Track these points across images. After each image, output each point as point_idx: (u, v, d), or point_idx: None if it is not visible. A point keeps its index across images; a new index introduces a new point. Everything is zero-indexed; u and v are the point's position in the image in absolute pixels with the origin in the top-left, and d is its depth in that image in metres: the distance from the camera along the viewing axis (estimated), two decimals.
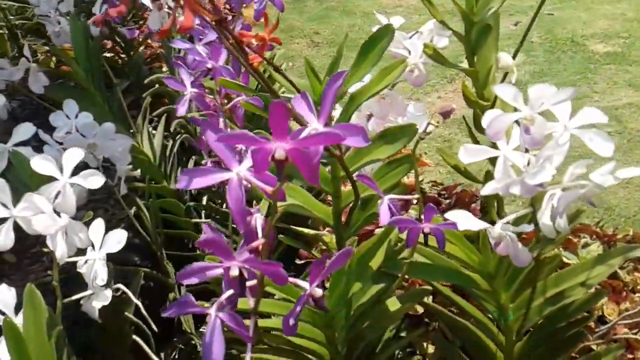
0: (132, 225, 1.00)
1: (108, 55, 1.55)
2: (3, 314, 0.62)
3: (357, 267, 0.61)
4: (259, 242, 0.39)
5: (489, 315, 0.66)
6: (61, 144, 0.87)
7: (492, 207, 0.85)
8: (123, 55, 1.50)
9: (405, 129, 0.61)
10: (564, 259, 1.01)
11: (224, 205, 1.05)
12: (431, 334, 0.70)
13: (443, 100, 2.22)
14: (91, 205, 1.13)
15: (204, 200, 1.15)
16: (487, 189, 0.46)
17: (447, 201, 1.09)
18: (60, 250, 0.60)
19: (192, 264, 0.37)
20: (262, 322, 0.59)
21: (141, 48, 1.49)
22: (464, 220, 0.48)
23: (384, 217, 0.53)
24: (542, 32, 2.63)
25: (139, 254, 1.04)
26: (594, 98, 2.10)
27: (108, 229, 1.10)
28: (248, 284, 0.43)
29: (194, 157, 1.16)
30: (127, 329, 0.83)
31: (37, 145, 0.83)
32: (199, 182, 0.36)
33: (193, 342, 1.00)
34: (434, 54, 0.73)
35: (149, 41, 1.53)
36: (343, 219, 0.71)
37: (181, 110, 0.70)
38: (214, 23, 0.40)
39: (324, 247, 0.81)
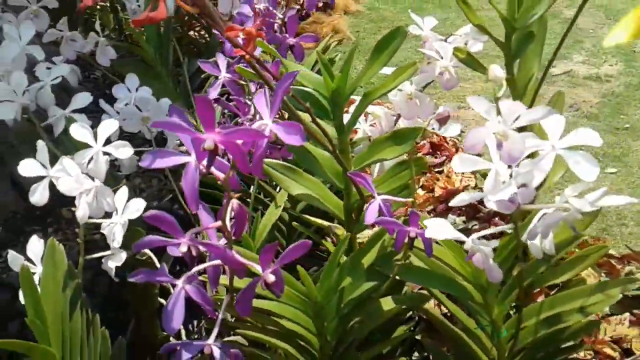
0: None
1: (193, 34, 1.63)
2: (32, 262, 0.69)
3: (350, 263, 0.62)
4: (216, 224, 0.42)
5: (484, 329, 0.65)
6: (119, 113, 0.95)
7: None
8: (207, 36, 1.57)
9: (413, 131, 0.61)
10: None
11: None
12: (425, 341, 0.70)
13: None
14: (147, 174, 1.21)
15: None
16: (456, 201, 0.46)
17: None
18: (82, 211, 0.66)
19: (146, 236, 0.40)
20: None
21: None
22: (436, 228, 0.48)
23: (370, 217, 0.54)
24: None
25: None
26: None
27: (158, 198, 1.17)
28: (212, 263, 0.46)
29: None
30: (152, 292, 0.89)
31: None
32: (160, 162, 0.39)
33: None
34: (466, 58, 0.72)
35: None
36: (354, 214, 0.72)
37: (212, 93, 0.74)
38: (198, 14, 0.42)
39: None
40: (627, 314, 0.92)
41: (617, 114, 2.02)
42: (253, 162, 0.37)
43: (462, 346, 0.65)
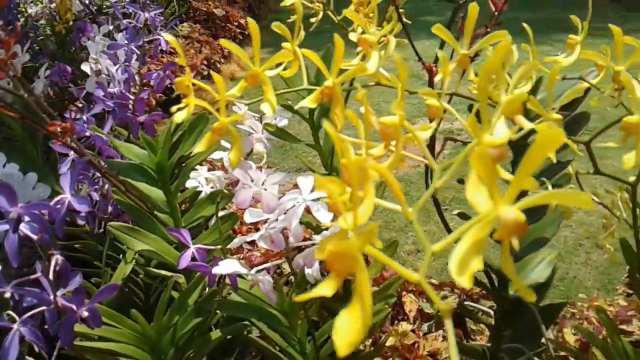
0: None
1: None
2: None
3: (178, 303, 0.75)
4: (37, 276, 0.54)
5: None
6: None
7: None
8: None
9: (219, 192, 0.76)
10: (424, 309, 1.15)
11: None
12: None
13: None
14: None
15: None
16: (232, 243, 0.61)
17: None
18: None
19: None
20: (86, 343, 0.73)
21: None
22: (224, 266, 0.62)
23: (183, 262, 0.68)
24: None
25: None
26: None
27: (30, 264, 1.24)
28: (42, 308, 0.58)
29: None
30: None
31: None
32: None
33: None
34: (276, 131, 0.89)
35: None
36: None
37: (63, 169, 0.86)
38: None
39: None
40: (441, 331, 1.11)
41: (466, 163, 2.30)
42: (55, 226, 0.50)
43: None
